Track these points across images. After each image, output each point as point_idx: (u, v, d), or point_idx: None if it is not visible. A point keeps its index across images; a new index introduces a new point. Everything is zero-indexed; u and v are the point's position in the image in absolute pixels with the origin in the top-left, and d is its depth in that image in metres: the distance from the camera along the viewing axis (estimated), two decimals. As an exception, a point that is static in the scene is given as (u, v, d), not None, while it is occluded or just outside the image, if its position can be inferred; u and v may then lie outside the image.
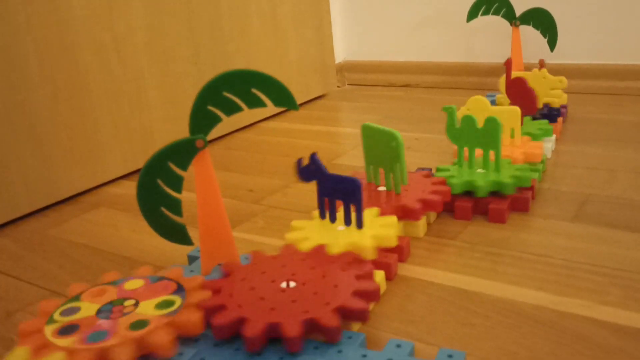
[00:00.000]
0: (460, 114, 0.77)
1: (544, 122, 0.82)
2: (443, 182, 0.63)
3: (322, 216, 0.57)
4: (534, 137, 0.78)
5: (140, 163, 0.87)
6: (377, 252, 0.53)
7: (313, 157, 0.54)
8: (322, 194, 0.56)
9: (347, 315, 0.42)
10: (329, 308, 0.42)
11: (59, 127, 0.78)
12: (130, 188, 0.82)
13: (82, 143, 0.81)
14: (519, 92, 0.79)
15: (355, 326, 0.45)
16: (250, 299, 0.44)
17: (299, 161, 0.55)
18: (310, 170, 0.55)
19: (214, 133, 1.01)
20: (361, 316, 0.42)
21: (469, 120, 0.66)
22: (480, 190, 0.62)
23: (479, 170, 0.66)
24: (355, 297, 0.43)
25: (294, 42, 1.19)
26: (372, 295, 0.44)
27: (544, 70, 0.93)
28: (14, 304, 0.55)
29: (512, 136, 0.73)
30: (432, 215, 0.63)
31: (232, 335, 0.42)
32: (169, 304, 0.44)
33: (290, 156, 0.91)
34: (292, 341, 0.40)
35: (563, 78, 0.92)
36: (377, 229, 0.54)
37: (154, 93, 0.90)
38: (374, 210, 0.57)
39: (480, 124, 0.65)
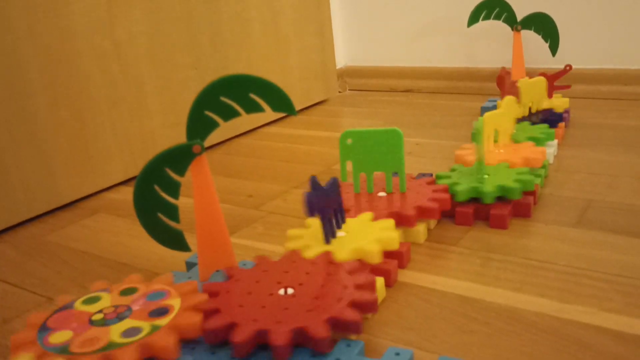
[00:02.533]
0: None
1: (544, 127, 0.82)
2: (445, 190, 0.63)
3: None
4: (538, 141, 0.77)
5: (140, 169, 0.86)
6: (382, 257, 0.52)
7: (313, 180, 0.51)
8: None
9: (339, 326, 0.41)
10: (320, 318, 0.41)
11: (59, 133, 0.77)
12: (130, 194, 0.82)
13: (82, 149, 0.81)
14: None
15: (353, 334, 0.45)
16: (244, 304, 0.44)
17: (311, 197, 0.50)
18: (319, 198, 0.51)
19: (213, 138, 1.01)
20: (354, 328, 0.41)
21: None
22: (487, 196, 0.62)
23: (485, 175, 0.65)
24: (349, 309, 0.42)
25: (295, 47, 1.19)
26: (369, 306, 0.43)
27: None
28: (10, 311, 0.54)
29: (495, 140, 0.73)
30: (433, 221, 0.63)
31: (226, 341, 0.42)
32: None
33: (290, 162, 0.91)
34: (279, 349, 0.39)
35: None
36: (377, 232, 0.53)
37: (155, 99, 0.90)
38: (368, 214, 0.57)
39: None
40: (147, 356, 0.40)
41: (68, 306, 0.45)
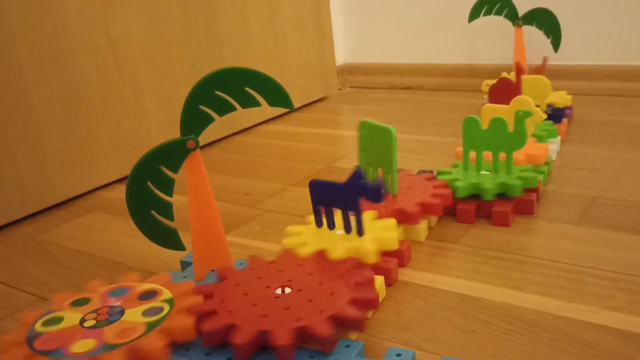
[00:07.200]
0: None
1: (548, 123, 0.81)
2: (445, 185, 0.62)
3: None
4: (539, 138, 0.76)
5: (136, 167, 0.85)
6: (379, 256, 0.51)
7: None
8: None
9: (342, 324, 0.40)
10: (322, 316, 0.40)
11: (53, 131, 0.76)
12: (125, 192, 0.81)
13: (77, 147, 0.79)
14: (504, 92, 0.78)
15: (354, 334, 0.43)
16: (243, 305, 0.42)
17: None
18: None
19: (211, 135, 1.00)
20: (357, 325, 0.40)
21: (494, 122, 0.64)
22: (488, 193, 0.60)
23: (483, 172, 0.64)
24: (350, 306, 0.41)
25: (294, 44, 1.18)
26: (370, 303, 0.42)
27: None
28: (2, 311, 0.53)
29: None
30: (434, 219, 0.62)
31: (223, 344, 0.41)
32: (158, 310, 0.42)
33: (288, 159, 0.90)
34: (282, 350, 0.38)
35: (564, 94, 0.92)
36: (377, 232, 0.52)
37: (150, 96, 0.89)
38: (371, 213, 0.55)
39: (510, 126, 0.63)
40: None
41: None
